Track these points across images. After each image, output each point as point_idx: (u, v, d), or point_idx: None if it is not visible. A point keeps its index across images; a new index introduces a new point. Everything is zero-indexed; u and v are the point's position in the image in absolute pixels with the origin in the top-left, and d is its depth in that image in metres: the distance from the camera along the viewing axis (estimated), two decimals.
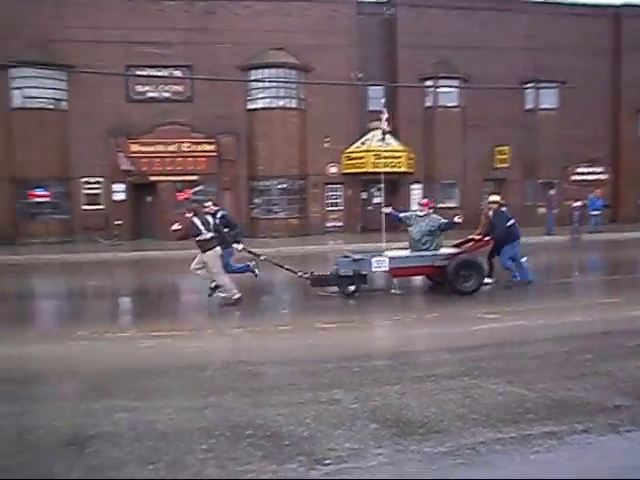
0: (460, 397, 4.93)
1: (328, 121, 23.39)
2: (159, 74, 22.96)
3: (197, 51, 22.46)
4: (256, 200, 23.68)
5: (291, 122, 23.32)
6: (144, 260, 17.71)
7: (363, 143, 23.67)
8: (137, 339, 7.20)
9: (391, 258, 9.91)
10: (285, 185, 23.50)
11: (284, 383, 5.43)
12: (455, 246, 10.65)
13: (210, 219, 9.55)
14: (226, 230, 10.01)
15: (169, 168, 22.55)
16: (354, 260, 9.84)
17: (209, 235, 9.25)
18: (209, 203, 10.55)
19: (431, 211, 10.31)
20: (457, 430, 4.26)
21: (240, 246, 10.20)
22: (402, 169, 23.26)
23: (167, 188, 22.77)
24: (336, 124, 23.54)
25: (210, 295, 9.91)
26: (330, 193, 24.48)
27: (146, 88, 23.10)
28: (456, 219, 9.75)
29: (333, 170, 24.10)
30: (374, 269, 9.81)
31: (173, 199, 22.72)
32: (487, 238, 10.30)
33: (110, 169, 22.09)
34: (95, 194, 22.69)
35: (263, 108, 23.20)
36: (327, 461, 3.81)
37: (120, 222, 22.22)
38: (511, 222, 10.45)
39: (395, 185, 24.26)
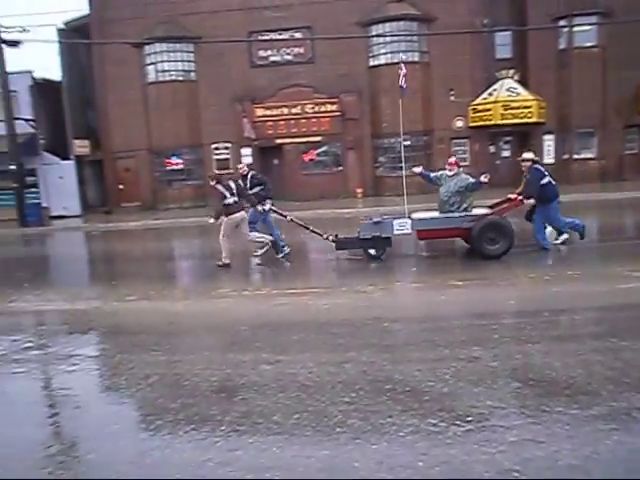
0: (609, 359, 4.64)
1: (452, 73, 22.48)
2: (281, 37, 23.22)
3: (316, 11, 22.39)
4: (380, 158, 23.52)
5: (414, 76, 22.65)
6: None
7: (490, 94, 22.54)
8: (273, 296, 7.51)
9: (415, 220, 9.55)
10: (409, 142, 23.06)
11: (420, 339, 5.43)
12: (490, 207, 9.95)
13: (233, 184, 9.90)
14: (259, 189, 10.45)
15: (294, 130, 22.94)
16: (375, 223, 9.60)
17: (232, 200, 9.68)
18: (241, 165, 11.01)
19: (461, 170, 9.83)
20: (608, 394, 4.03)
21: (267, 206, 10.43)
22: (533, 119, 21.91)
23: (293, 150, 23.22)
24: (461, 76, 22.59)
25: (282, 255, 10.38)
26: (456, 148, 23.66)
27: (268, 52, 23.50)
28: (482, 178, 9.13)
29: (459, 124, 23.25)
30: (396, 231, 9.54)
31: (299, 160, 23.17)
32: (520, 198, 9.54)
33: (237, 134, 22.90)
34: (224, 159, 23.67)
35: (385, 64, 22.74)
36: (469, 418, 3.77)
37: None
38: (546, 180, 9.58)
39: (525, 137, 22.96)
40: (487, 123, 22.36)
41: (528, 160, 9.86)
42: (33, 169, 23.24)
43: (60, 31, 24.16)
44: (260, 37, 23.22)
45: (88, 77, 24.96)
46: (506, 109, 21.19)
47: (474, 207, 9.70)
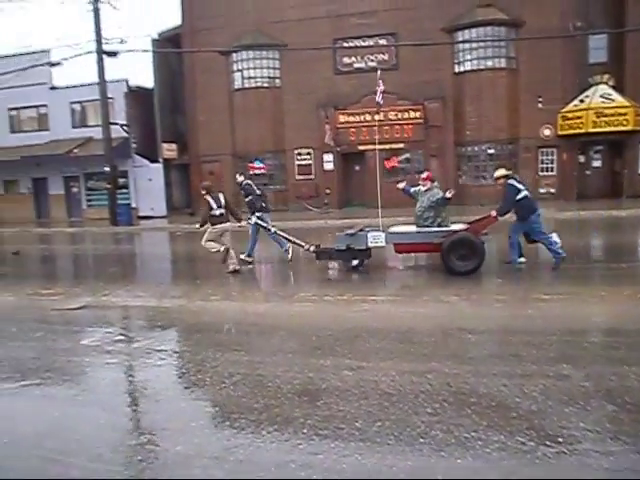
0: None
1: (541, 79, 21.72)
2: (365, 44, 23.28)
3: (401, 17, 22.31)
4: (464, 166, 23.08)
5: (500, 83, 22.14)
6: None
7: (582, 101, 21.58)
8: (355, 302, 7.50)
9: (388, 233, 9.66)
10: (494, 150, 22.51)
11: (506, 353, 5.25)
12: (469, 223, 9.64)
13: (221, 197, 10.36)
14: (249, 199, 11.11)
15: (376, 137, 22.86)
16: (350, 235, 9.77)
17: (218, 211, 10.20)
18: (239, 176, 11.65)
19: (434, 184, 9.77)
20: None
21: (252, 219, 11.07)
22: (629, 127, 20.79)
23: (374, 156, 23.17)
24: (550, 82, 21.76)
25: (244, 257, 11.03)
26: (543, 157, 22.84)
27: (352, 59, 23.61)
28: (447, 194, 9.14)
29: (547, 132, 22.41)
30: (370, 244, 9.67)
31: (381, 167, 23.09)
32: (494, 214, 9.19)
33: (320, 140, 23.12)
34: (306, 165, 23.96)
35: (471, 70, 22.33)
36: (559, 439, 3.60)
37: (329, 191, 23.24)
38: (522, 195, 9.10)
39: (619, 146, 21.83)
40: (577, 131, 21.42)
41: (500, 177, 9.60)
42: (125, 171, 24.49)
43: (154, 41, 25.30)
44: (344, 44, 23.39)
45: (178, 84, 25.99)
46: (599, 116, 20.24)
47: (453, 222, 9.71)
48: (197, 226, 10.72)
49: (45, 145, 26.42)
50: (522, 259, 9.54)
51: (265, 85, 24.24)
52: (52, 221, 26.56)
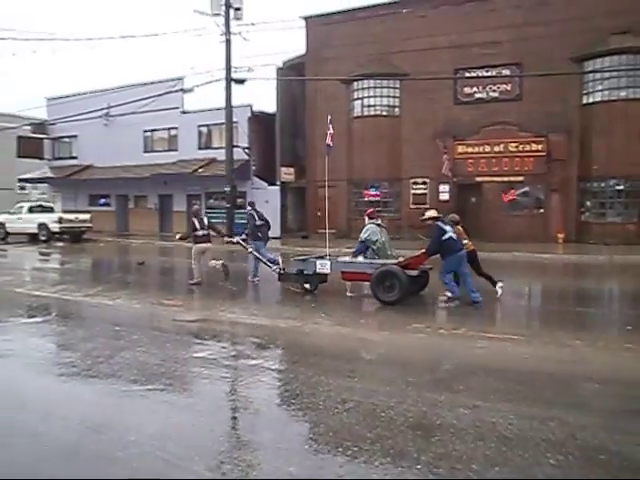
0: None
1: None
2: (488, 74, 22.89)
3: (526, 47, 21.71)
4: (587, 202, 21.87)
5: (635, 114, 20.78)
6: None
7: None
8: (470, 338, 7.27)
9: (334, 262, 10.79)
10: (622, 186, 21.14)
11: None
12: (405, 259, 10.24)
13: (205, 220, 12.51)
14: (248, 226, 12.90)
15: (495, 169, 22.35)
16: (302, 260, 11.30)
17: (201, 232, 12.19)
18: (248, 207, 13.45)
19: (372, 221, 11.00)
20: None
21: (235, 239, 13.11)
22: None
23: (492, 189, 22.60)
24: None
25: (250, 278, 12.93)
26: None
27: (474, 89, 23.28)
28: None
29: None
30: (318, 270, 10.82)
31: (498, 200, 22.45)
32: (423, 253, 9.94)
33: (437, 170, 22.89)
34: (421, 194, 23.76)
35: (601, 101, 21.21)
36: None
37: None
38: (447, 236, 9.72)
39: None
40: None
41: (428, 219, 10.22)
42: (244, 192, 25.53)
43: (279, 69, 26.39)
44: (466, 74, 23.13)
45: (299, 110, 26.87)
46: None
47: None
48: (177, 237, 13.32)
49: (173, 164, 28.24)
50: (498, 285, 10.32)
51: (384, 113, 24.46)
52: (174, 235, 28.15)
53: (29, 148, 34.93)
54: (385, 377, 5.75)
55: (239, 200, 25.07)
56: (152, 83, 28.29)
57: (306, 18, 25.97)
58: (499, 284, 10.33)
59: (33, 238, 25.79)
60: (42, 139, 35.10)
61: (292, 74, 26.85)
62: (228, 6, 22.21)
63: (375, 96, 24.58)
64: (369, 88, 24.51)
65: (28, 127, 35.49)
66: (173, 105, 27.95)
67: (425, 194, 23.71)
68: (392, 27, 23.69)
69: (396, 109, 24.45)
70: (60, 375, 5.79)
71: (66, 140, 34.57)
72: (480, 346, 6.87)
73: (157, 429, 4.40)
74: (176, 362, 6.27)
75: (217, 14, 22.52)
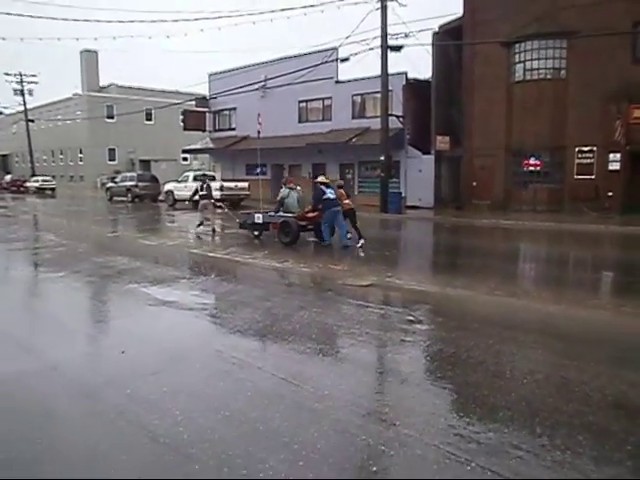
0: None
1: None
2: None
3: None
4: None
5: None
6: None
7: None
8: None
9: (262, 215, 14.44)
10: None
11: None
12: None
13: (213, 185, 17.77)
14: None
15: None
16: (247, 214, 15.41)
17: (201, 193, 16.97)
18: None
19: (286, 186, 14.49)
20: None
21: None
22: None
23: None
24: None
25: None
26: None
27: None
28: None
29: None
30: (256, 220, 14.52)
31: None
32: (309, 208, 13.79)
33: (606, 138, 21.07)
34: (587, 164, 22.06)
35: None
36: None
37: (611, 194, 21.12)
38: (326, 196, 13.10)
39: None
40: None
41: (319, 182, 13.76)
42: (397, 161, 25.42)
43: (435, 34, 25.63)
44: None
45: (455, 77, 25.98)
46: None
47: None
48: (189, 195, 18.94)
49: (327, 134, 28.79)
50: (359, 240, 13.11)
51: (548, 77, 22.83)
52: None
53: (192, 121, 37.48)
54: (573, 351, 5.46)
55: (393, 170, 25.00)
56: (307, 54, 28.91)
57: None
58: (361, 240, 13.09)
59: (196, 204, 27.75)
60: (204, 112, 37.46)
61: (449, 39, 25.94)
62: None
63: (539, 58, 22.98)
64: (532, 50, 22.96)
65: (192, 102, 38.03)
66: (327, 75, 28.38)
67: (592, 164, 21.93)
68: None
69: (562, 71, 22.69)
70: (247, 330, 6.20)
71: (226, 113, 36.54)
72: None
73: (346, 386, 4.56)
74: (353, 323, 6.44)
75: None
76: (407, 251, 15.06)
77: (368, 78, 26.40)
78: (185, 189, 28.18)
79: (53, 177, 49.35)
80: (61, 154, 56.40)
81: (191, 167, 44.53)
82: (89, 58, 55.37)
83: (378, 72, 23.39)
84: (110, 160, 51.01)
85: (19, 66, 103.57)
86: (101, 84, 56.57)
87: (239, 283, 9.38)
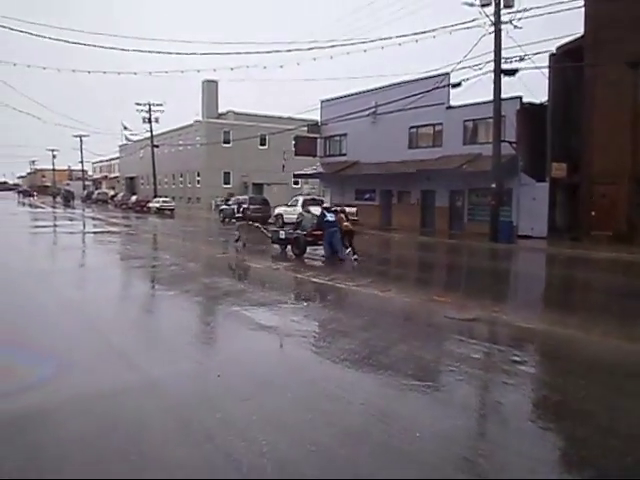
0: None
1: None
2: None
3: None
4: None
5: None
6: None
7: None
8: None
9: (285, 232, 17.95)
10: None
11: None
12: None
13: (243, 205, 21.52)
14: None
15: None
16: (275, 231, 18.58)
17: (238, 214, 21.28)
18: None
19: (304, 208, 19.54)
20: None
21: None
22: None
23: None
24: None
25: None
26: None
27: None
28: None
29: None
30: (281, 237, 17.77)
31: None
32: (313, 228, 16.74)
33: None
34: None
35: None
36: None
37: None
38: (326, 219, 16.10)
39: None
40: None
41: (322, 207, 17.91)
42: (509, 189, 24.45)
43: (551, 56, 24.57)
44: None
45: (573, 100, 24.72)
46: None
47: None
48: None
49: (436, 160, 28.35)
50: (352, 255, 15.98)
51: None
52: (435, 231, 28.33)
53: (304, 147, 38.41)
54: None
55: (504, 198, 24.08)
56: (418, 80, 28.72)
57: None
58: (355, 256, 15.85)
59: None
60: (315, 138, 38.28)
61: (567, 60, 24.73)
62: None
63: None
64: None
65: (304, 128, 39.04)
66: (439, 101, 28.01)
67: None
68: None
69: None
70: (343, 360, 6.12)
71: (337, 138, 37.09)
72: None
73: (439, 429, 4.34)
74: (452, 360, 6.18)
75: (486, 4, 21.84)
76: (516, 284, 14.34)
77: (480, 103, 25.73)
78: (295, 213, 28.82)
79: (172, 198, 52.39)
80: (180, 177, 59.77)
81: (301, 191, 45.55)
82: (209, 88, 58.67)
83: (490, 97, 22.78)
84: (225, 183, 53.31)
85: (143, 97, 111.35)
86: (219, 111, 59.66)
87: (339, 311, 9.33)
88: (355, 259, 15.76)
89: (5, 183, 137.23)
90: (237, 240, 19.29)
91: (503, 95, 22.60)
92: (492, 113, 22.73)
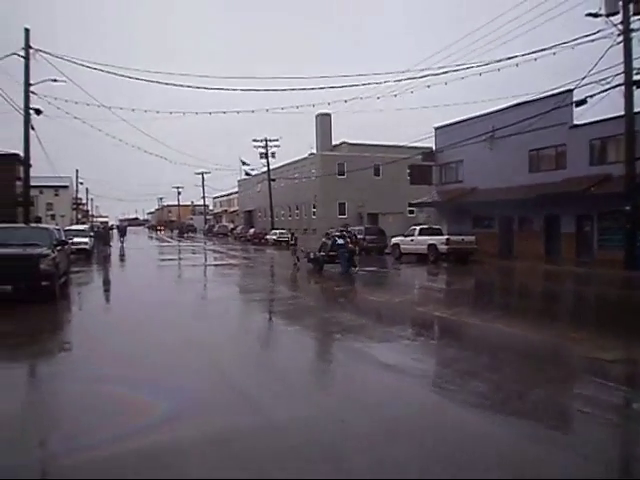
0: None
1: None
2: None
3: None
4: None
5: None
6: None
7: None
8: None
9: (313, 253, 22.70)
10: None
11: None
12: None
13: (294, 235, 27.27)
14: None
15: None
16: (308, 253, 23.28)
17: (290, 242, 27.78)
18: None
19: (335, 234, 22.80)
20: None
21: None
22: None
23: None
24: None
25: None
26: None
27: None
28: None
29: None
30: (311, 257, 22.54)
31: None
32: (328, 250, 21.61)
33: None
34: None
35: None
36: None
37: None
38: (338, 242, 20.93)
39: None
40: None
41: (334, 235, 22.25)
42: None
43: None
44: None
45: None
46: None
47: None
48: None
49: (560, 183, 26.73)
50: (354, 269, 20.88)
51: None
52: (561, 259, 26.58)
53: (419, 175, 37.96)
54: None
55: None
56: (536, 100, 27.34)
57: None
58: (354, 269, 20.73)
59: (421, 258, 27.53)
60: (430, 166, 37.65)
61: None
62: (627, 1, 19.91)
63: None
64: None
65: (419, 156, 38.53)
66: (561, 121, 26.58)
67: None
68: None
69: None
70: (474, 406, 5.63)
71: (452, 165, 36.25)
72: None
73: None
74: (595, 408, 5.47)
75: (613, 13, 20.43)
76: None
77: (609, 119, 24.05)
78: (411, 242, 28.24)
79: (289, 230, 53.69)
80: (297, 209, 61.19)
81: (417, 220, 44.89)
82: (323, 121, 59.97)
83: (620, 112, 21.19)
84: (340, 214, 53.76)
85: (258, 133, 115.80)
86: (333, 143, 60.70)
87: (465, 348, 8.77)
88: (356, 272, 20.70)
89: (136, 219, 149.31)
90: (295, 264, 23.34)
91: (636, 109, 20.95)
92: (623, 129, 21.09)
